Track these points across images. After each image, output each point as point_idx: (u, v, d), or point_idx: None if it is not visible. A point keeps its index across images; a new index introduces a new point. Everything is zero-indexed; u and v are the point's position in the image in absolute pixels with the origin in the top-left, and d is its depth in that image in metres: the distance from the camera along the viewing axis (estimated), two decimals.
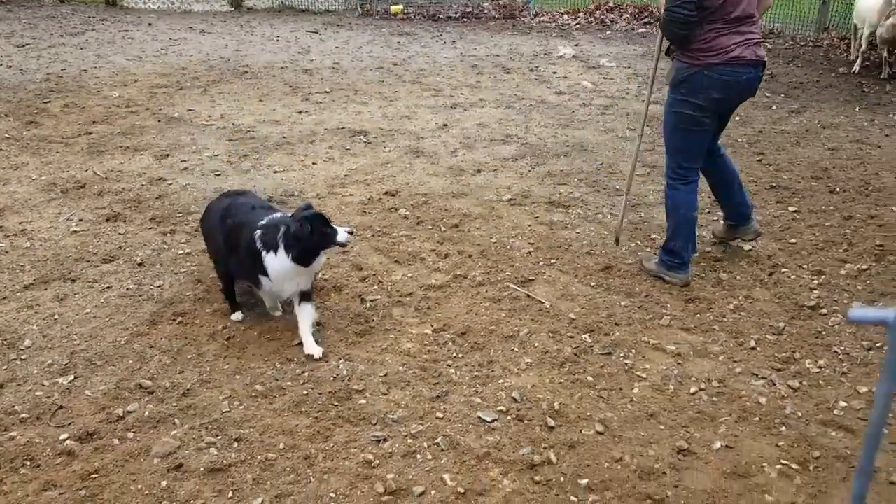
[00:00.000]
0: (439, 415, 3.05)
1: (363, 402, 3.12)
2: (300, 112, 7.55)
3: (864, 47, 9.52)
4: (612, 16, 14.12)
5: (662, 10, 3.81)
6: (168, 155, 6.19)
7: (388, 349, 3.52)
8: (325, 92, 8.40)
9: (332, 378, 3.27)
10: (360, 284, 4.15)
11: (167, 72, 9.12)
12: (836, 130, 7.14)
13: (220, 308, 3.84)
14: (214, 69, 9.36)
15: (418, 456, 2.82)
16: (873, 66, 9.72)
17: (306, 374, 3.30)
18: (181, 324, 3.72)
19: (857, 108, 8.00)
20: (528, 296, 4.05)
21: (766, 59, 3.95)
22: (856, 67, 9.65)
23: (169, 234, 4.73)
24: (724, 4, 3.72)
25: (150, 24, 12.64)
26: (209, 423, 2.98)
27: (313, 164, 6.08)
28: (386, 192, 5.46)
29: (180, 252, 4.49)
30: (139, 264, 4.33)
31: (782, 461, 2.82)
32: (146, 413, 3.04)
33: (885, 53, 9.33)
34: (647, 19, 13.77)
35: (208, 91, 8.29)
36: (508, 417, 3.05)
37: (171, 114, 7.35)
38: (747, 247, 4.61)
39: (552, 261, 4.46)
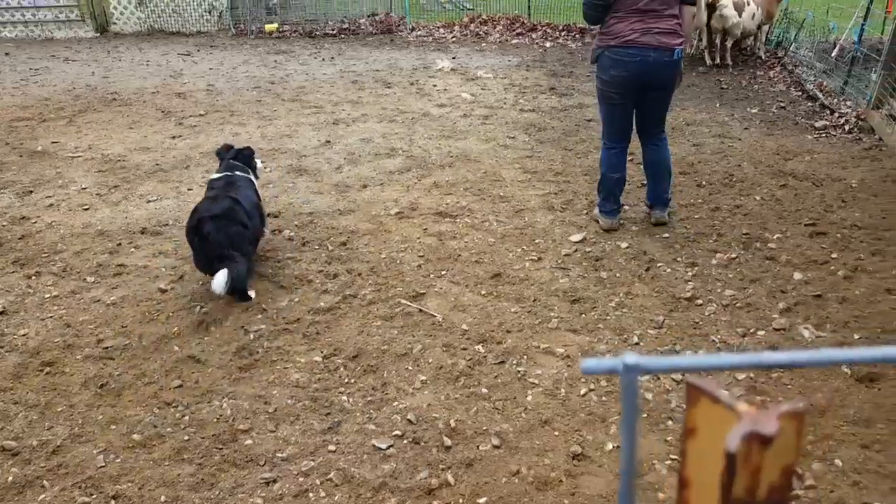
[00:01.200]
0: (332, 448, 2.95)
1: (250, 442, 2.98)
2: (174, 137, 7.23)
3: (704, 42, 10.55)
4: (486, 28, 14.40)
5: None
6: (31, 191, 5.77)
7: (274, 382, 3.38)
8: (200, 115, 8.09)
9: (215, 419, 3.11)
10: (243, 315, 3.97)
11: (28, 103, 8.54)
12: (699, 127, 7.55)
13: (92, 353, 3.59)
14: (80, 98, 8.84)
15: (310, 495, 2.71)
16: (730, 64, 10.48)
17: (187, 417, 3.12)
18: (49, 374, 3.45)
19: (717, 105, 8.49)
20: (421, 310, 4.01)
21: (674, 46, 4.41)
22: (708, 60, 10.52)
23: (34, 277, 4.39)
24: None
25: (6, 54, 11.82)
26: (83, 482, 2.76)
27: (189, 190, 5.82)
28: (268, 214, 5.28)
29: (47, 296, 4.18)
30: (0, 312, 3.99)
31: (671, 456, 2.90)
32: (10, 478, 2.78)
33: (717, 41, 10.43)
34: (519, 30, 14.14)
35: (74, 121, 7.81)
36: (404, 442, 2.99)
37: (33, 147, 6.87)
38: (624, 244, 4.78)
39: (442, 272, 4.46)
